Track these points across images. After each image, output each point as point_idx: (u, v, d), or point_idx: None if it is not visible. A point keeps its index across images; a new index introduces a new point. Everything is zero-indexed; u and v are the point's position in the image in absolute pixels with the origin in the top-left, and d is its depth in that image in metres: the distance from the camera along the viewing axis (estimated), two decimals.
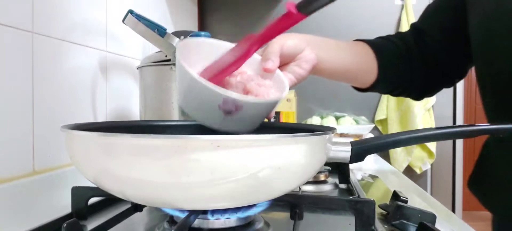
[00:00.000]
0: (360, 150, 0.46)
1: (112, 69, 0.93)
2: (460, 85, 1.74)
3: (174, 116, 0.83)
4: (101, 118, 0.88)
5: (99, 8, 0.88)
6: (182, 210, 0.43)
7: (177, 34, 1.04)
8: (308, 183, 0.69)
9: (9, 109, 0.61)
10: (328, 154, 0.43)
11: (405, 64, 0.67)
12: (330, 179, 0.73)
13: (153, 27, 0.85)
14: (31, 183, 0.63)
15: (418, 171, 1.73)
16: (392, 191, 0.56)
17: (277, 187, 0.38)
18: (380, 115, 1.74)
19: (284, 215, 0.53)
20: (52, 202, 0.62)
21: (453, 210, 1.76)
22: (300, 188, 0.56)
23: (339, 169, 0.73)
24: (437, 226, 0.46)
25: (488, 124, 0.48)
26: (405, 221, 0.48)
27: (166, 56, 0.84)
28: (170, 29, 0.98)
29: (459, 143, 1.78)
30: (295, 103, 1.21)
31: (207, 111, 0.43)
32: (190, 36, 0.94)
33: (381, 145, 0.46)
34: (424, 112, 1.67)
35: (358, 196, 0.58)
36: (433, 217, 0.48)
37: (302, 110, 1.65)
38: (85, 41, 0.82)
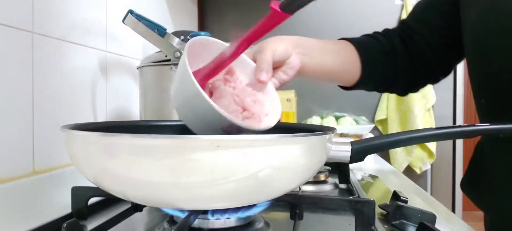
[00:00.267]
0: (360, 150, 0.46)
1: (112, 69, 0.93)
2: (460, 85, 1.74)
3: (174, 116, 0.83)
4: (101, 118, 0.88)
5: (99, 8, 0.88)
6: (182, 210, 0.43)
7: (177, 34, 1.04)
8: (308, 183, 0.69)
9: (9, 109, 0.61)
10: (328, 154, 0.43)
11: (389, 63, 0.68)
12: (330, 179, 0.73)
13: (153, 27, 0.85)
14: (31, 183, 0.63)
15: (418, 171, 1.73)
16: (392, 191, 0.56)
17: (277, 187, 0.38)
18: (380, 115, 1.74)
19: (284, 215, 0.53)
20: (52, 202, 0.62)
21: (453, 210, 1.76)
22: (300, 188, 0.56)
23: (339, 169, 0.73)
24: (437, 226, 0.46)
25: (488, 124, 0.48)
26: (405, 221, 0.48)
27: (166, 56, 0.84)
28: (170, 29, 0.98)
29: (459, 143, 1.78)
30: (295, 103, 1.21)
31: (205, 126, 0.43)
32: (190, 36, 0.94)
33: (381, 145, 0.46)
34: (424, 112, 1.67)
35: (358, 196, 0.58)
36: (433, 217, 0.48)
37: (302, 110, 1.65)
38: (85, 41, 0.82)
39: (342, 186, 0.72)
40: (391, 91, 0.74)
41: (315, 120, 1.54)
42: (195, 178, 0.33)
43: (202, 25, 1.84)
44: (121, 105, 0.99)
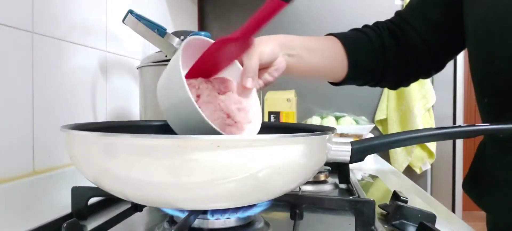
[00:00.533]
0: (360, 150, 0.46)
1: (112, 69, 0.93)
2: (460, 85, 1.74)
3: None
4: (101, 118, 0.88)
5: (99, 8, 0.88)
6: (182, 210, 0.43)
7: (177, 34, 1.04)
8: (308, 183, 0.69)
9: (9, 109, 0.61)
10: (328, 154, 0.43)
11: (377, 59, 0.67)
12: (330, 179, 0.73)
13: (153, 27, 0.86)
14: (31, 183, 0.63)
15: (418, 171, 1.73)
16: (392, 191, 0.56)
17: (277, 187, 0.38)
18: (380, 115, 1.74)
19: (284, 215, 0.53)
20: (52, 202, 0.62)
21: (453, 210, 1.76)
22: (300, 188, 0.56)
23: (339, 169, 0.73)
24: (437, 226, 0.46)
25: (488, 124, 0.48)
26: (405, 221, 0.48)
27: (166, 56, 0.84)
28: (170, 29, 0.98)
29: (459, 143, 1.78)
30: (295, 103, 1.21)
31: (185, 126, 0.44)
32: (191, 35, 0.94)
33: (381, 145, 0.46)
34: (424, 112, 1.67)
35: (358, 196, 0.58)
36: (433, 217, 0.48)
37: (302, 110, 1.65)
38: (85, 41, 0.82)
39: (342, 186, 0.72)
40: (382, 86, 0.73)
41: (315, 120, 1.54)
42: (195, 178, 0.33)
43: (202, 25, 1.84)
44: (121, 105, 0.99)
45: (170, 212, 0.45)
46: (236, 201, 0.38)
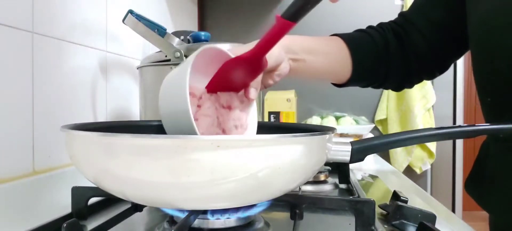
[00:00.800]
0: (360, 150, 0.46)
1: (112, 69, 0.93)
2: (460, 85, 1.74)
3: None
4: (101, 118, 0.89)
5: (99, 8, 0.88)
6: (182, 210, 0.43)
7: (177, 34, 1.04)
8: (308, 183, 0.69)
9: (9, 109, 0.61)
10: (328, 154, 0.43)
11: (381, 62, 0.67)
12: (330, 179, 0.73)
13: (153, 27, 0.86)
14: (31, 183, 0.63)
15: (418, 171, 1.73)
16: (392, 191, 0.56)
17: (277, 187, 0.38)
18: (380, 115, 1.74)
19: (284, 215, 0.53)
20: (52, 202, 0.62)
21: (453, 210, 1.76)
22: (300, 188, 0.56)
23: (339, 169, 0.73)
24: (437, 226, 0.46)
25: (489, 124, 0.47)
26: (405, 221, 0.48)
27: (166, 56, 0.84)
28: (170, 29, 0.98)
29: (459, 143, 1.78)
30: (295, 103, 1.21)
31: (179, 133, 0.43)
32: (190, 36, 0.94)
33: (381, 145, 0.46)
34: (424, 112, 1.67)
35: (358, 196, 0.58)
36: (433, 217, 0.48)
37: (302, 110, 1.65)
38: (85, 41, 0.82)
39: (342, 186, 0.72)
40: (385, 88, 0.73)
41: (315, 120, 1.54)
42: (195, 178, 0.33)
43: (202, 25, 1.84)
44: (121, 105, 0.99)
45: (170, 212, 0.45)
46: (236, 201, 0.38)
